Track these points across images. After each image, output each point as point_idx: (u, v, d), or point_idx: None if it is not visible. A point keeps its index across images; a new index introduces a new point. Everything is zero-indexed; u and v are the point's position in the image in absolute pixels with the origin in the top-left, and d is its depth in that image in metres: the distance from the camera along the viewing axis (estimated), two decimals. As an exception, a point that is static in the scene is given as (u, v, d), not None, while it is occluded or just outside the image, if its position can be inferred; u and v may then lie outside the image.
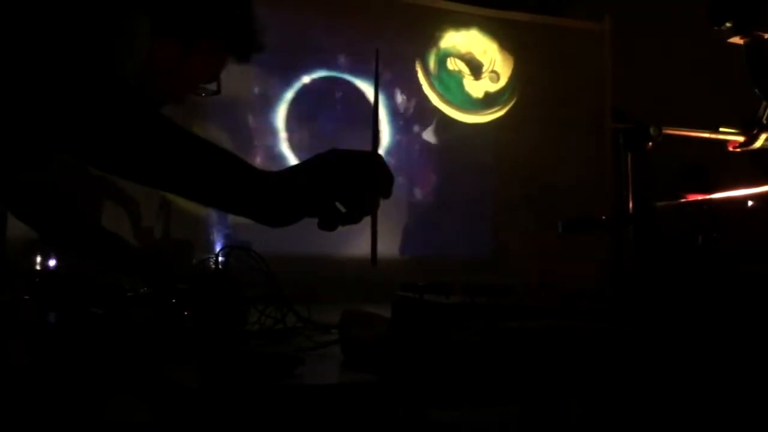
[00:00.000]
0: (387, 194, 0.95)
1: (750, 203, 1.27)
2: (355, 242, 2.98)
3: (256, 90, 2.96)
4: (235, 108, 2.88)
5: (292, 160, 2.95)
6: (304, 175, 0.93)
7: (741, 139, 1.47)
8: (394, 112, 3.17)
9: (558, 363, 0.82)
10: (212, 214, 2.69)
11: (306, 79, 3.03)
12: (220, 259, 1.46)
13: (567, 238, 1.57)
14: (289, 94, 3.01)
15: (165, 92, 1.24)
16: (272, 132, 2.97)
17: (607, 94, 3.31)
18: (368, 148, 0.98)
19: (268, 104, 2.98)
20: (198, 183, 0.90)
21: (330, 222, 0.94)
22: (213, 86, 1.33)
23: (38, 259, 2.52)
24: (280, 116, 2.98)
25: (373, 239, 0.97)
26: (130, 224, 2.60)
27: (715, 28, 1.39)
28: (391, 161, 3.30)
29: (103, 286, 1.63)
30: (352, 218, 0.95)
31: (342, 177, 0.92)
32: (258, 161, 2.93)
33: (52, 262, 2.53)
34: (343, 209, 0.94)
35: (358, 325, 1.02)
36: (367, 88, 3.11)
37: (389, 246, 2.92)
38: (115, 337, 1.17)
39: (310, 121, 3.02)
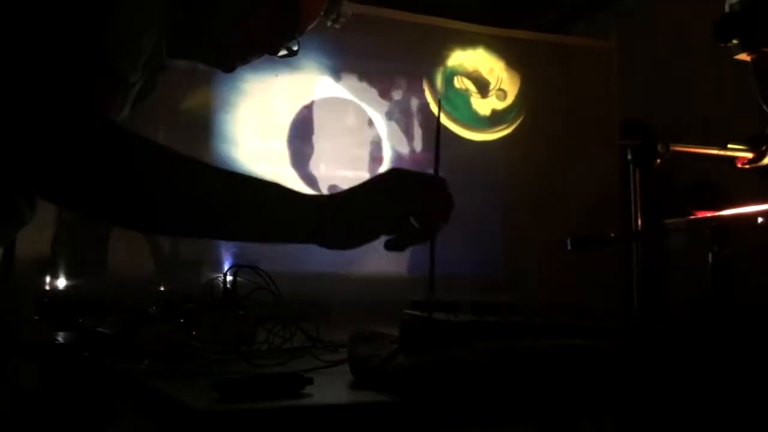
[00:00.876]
0: (446, 219, 0.93)
1: (760, 220, 1.26)
2: (363, 261, 2.98)
3: (257, 108, 2.95)
4: (233, 125, 2.87)
5: (296, 180, 2.95)
6: (365, 194, 0.91)
7: (749, 155, 1.46)
8: (402, 131, 3.17)
9: (571, 382, 0.81)
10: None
11: (309, 98, 3.03)
12: (228, 278, 1.46)
13: (577, 255, 1.56)
14: (292, 114, 3.00)
15: (239, 50, 1.13)
16: (274, 152, 2.96)
17: (615, 111, 3.31)
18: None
19: (268, 123, 2.98)
20: (251, 221, 0.87)
21: (399, 242, 0.91)
22: (293, 45, 1.20)
23: (47, 279, 2.53)
24: (282, 136, 2.98)
25: (431, 267, 0.95)
26: (146, 243, 2.62)
27: (722, 44, 1.39)
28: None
29: (112, 305, 1.62)
30: (410, 241, 0.92)
31: (406, 196, 0.90)
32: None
33: (60, 283, 2.54)
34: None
35: (367, 344, 1.01)
36: (373, 111, 3.11)
37: (397, 265, 2.91)
38: (123, 357, 1.16)
39: (313, 141, 3.01)
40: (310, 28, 1.17)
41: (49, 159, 0.75)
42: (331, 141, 3.03)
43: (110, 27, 0.81)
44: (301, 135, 3.00)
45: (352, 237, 0.90)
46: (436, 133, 1.04)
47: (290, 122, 2.99)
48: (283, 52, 1.18)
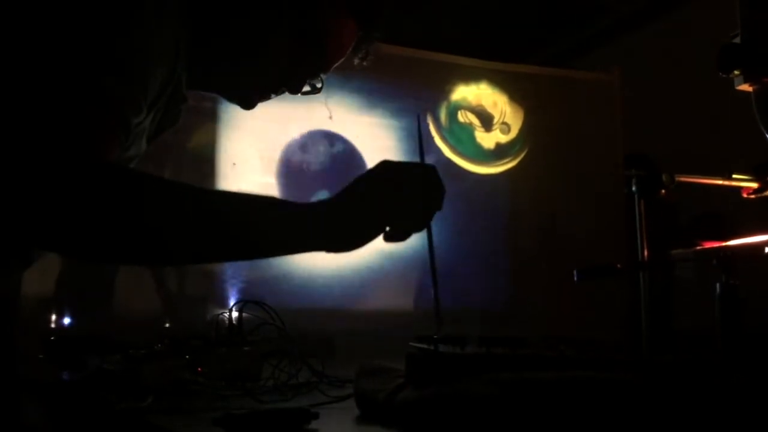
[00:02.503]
0: (439, 206, 0.94)
1: (767, 250, 1.26)
2: (368, 295, 2.97)
3: (251, 145, 2.95)
4: (225, 159, 2.88)
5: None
6: (364, 192, 0.90)
7: (755, 185, 1.46)
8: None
9: (579, 415, 0.80)
10: (225, 269, 2.68)
11: (306, 132, 3.04)
12: (234, 313, 1.46)
13: (584, 287, 1.56)
14: (283, 150, 3.00)
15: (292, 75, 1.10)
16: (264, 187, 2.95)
17: (618, 143, 3.32)
18: None
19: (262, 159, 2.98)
20: (253, 238, 0.85)
21: (399, 233, 0.92)
22: (318, 82, 1.16)
23: (52, 317, 2.52)
24: (272, 171, 2.97)
25: (431, 258, 0.96)
26: (150, 279, 2.61)
27: (724, 76, 1.40)
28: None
29: (117, 343, 1.62)
30: (406, 233, 0.93)
31: (402, 188, 0.91)
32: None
33: (65, 321, 2.53)
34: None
35: (373, 379, 1.00)
36: (368, 154, 3.10)
37: (403, 299, 2.90)
38: (128, 394, 1.16)
39: (306, 179, 3.01)
40: (336, 65, 1.15)
41: (48, 208, 0.73)
42: (331, 176, 3.03)
43: (112, 65, 0.80)
44: (299, 169, 3.00)
45: (357, 237, 0.90)
46: (418, 135, 1.04)
47: (284, 156, 2.99)
48: (306, 88, 1.15)
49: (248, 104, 1.10)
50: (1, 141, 0.73)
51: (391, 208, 0.91)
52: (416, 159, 1.08)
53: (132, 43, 0.83)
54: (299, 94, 1.15)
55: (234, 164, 2.81)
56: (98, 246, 0.78)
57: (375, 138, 3.11)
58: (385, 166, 0.92)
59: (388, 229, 0.92)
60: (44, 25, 0.78)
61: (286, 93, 1.13)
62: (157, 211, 0.80)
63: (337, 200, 0.90)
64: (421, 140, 1.07)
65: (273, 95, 1.12)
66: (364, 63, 1.18)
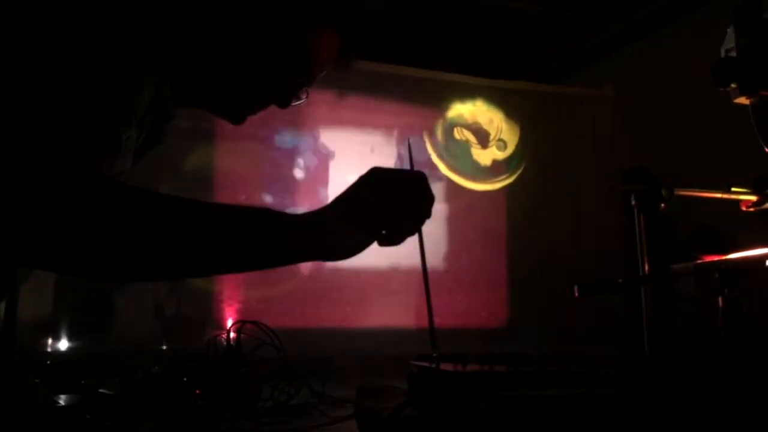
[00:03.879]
0: (428, 214, 0.95)
1: (768, 263, 1.25)
2: (366, 315, 2.96)
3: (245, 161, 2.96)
4: (216, 179, 2.88)
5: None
6: (356, 200, 0.92)
7: (754, 198, 1.46)
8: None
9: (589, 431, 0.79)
10: (222, 289, 2.67)
11: (309, 152, 3.05)
12: (232, 335, 1.44)
13: (584, 303, 1.55)
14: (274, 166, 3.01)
15: (273, 90, 1.10)
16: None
17: (614, 158, 3.33)
18: None
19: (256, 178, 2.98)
20: (244, 249, 0.86)
21: (392, 238, 0.94)
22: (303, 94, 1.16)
23: (48, 341, 2.50)
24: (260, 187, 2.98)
25: (423, 263, 0.96)
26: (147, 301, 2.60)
27: (720, 89, 1.39)
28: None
29: (114, 366, 1.60)
30: (400, 237, 0.95)
31: (388, 195, 0.92)
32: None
33: (62, 345, 2.52)
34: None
35: (374, 398, 0.99)
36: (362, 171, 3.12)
37: (402, 318, 2.89)
38: (126, 418, 1.14)
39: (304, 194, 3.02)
40: (320, 76, 1.15)
41: (41, 221, 0.73)
42: (327, 195, 3.03)
43: (100, 82, 0.80)
44: (293, 189, 3.01)
45: (352, 245, 0.91)
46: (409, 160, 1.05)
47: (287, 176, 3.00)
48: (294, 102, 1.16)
49: (237, 119, 1.10)
50: None
51: (383, 215, 0.92)
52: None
53: (121, 58, 0.83)
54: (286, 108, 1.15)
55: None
56: (92, 261, 0.77)
57: (369, 155, 3.11)
58: (374, 173, 0.94)
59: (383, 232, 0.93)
60: (38, 40, 0.78)
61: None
62: (150, 224, 0.80)
63: (330, 209, 0.91)
64: (412, 165, 1.07)
65: (261, 109, 1.12)
66: (346, 73, 1.18)
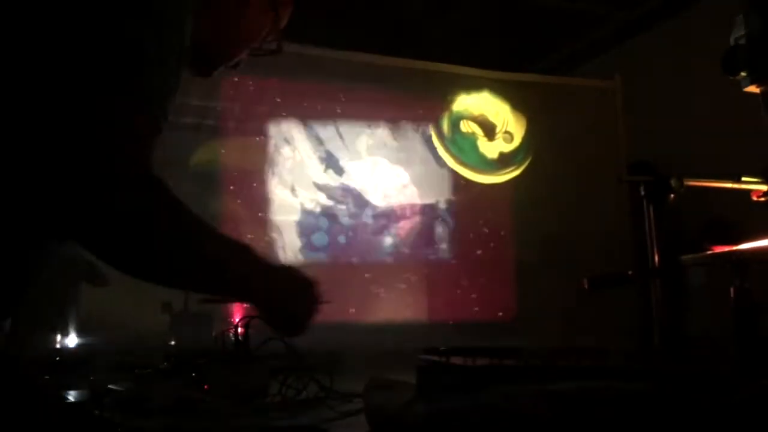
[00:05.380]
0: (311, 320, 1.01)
1: (779, 252, 1.24)
2: (376, 310, 2.96)
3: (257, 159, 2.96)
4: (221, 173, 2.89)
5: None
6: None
7: (764, 188, 1.44)
8: (411, 178, 3.18)
9: (596, 425, 0.78)
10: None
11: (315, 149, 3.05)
12: (240, 330, 1.44)
13: (592, 296, 1.54)
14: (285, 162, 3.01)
15: (223, 50, 1.14)
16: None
17: (621, 149, 3.31)
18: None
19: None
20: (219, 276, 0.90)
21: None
22: (273, 45, 1.19)
23: (57, 338, 2.51)
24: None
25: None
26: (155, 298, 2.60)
27: (730, 78, 1.38)
28: (408, 225, 3.30)
29: (123, 362, 1.60)
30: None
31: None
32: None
33: (71, 341, 2.52)
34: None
35: (383, 393, 0.98)
36: (369, 166, 3.12)
37: (410, 312, 2.89)
38: (134, 414, 1.14)
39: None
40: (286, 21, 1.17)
41: (97, 208, 0.78)
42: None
43: (152, 75, 0.84)
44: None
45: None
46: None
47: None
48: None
49: (206, 73, 1.13)
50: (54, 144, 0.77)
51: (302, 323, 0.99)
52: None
53: (165, 49, 0.87)
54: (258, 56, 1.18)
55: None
56: (130, 246, 0.82)
57: (375, 149, 3.11)
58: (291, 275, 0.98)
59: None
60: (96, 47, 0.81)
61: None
62: (161, 227, 0.84)
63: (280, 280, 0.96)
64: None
65: (232, 62, 1.15)
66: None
